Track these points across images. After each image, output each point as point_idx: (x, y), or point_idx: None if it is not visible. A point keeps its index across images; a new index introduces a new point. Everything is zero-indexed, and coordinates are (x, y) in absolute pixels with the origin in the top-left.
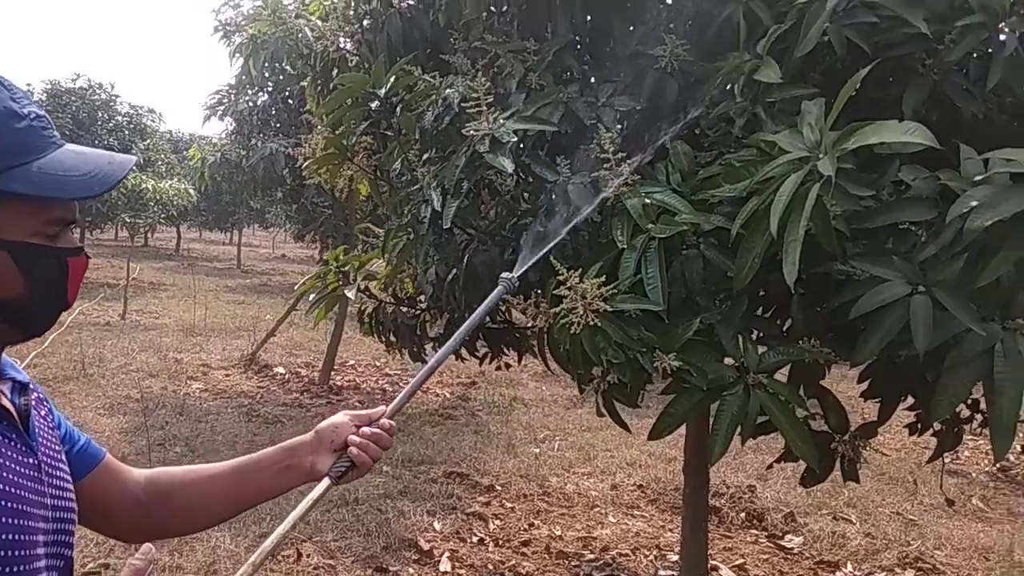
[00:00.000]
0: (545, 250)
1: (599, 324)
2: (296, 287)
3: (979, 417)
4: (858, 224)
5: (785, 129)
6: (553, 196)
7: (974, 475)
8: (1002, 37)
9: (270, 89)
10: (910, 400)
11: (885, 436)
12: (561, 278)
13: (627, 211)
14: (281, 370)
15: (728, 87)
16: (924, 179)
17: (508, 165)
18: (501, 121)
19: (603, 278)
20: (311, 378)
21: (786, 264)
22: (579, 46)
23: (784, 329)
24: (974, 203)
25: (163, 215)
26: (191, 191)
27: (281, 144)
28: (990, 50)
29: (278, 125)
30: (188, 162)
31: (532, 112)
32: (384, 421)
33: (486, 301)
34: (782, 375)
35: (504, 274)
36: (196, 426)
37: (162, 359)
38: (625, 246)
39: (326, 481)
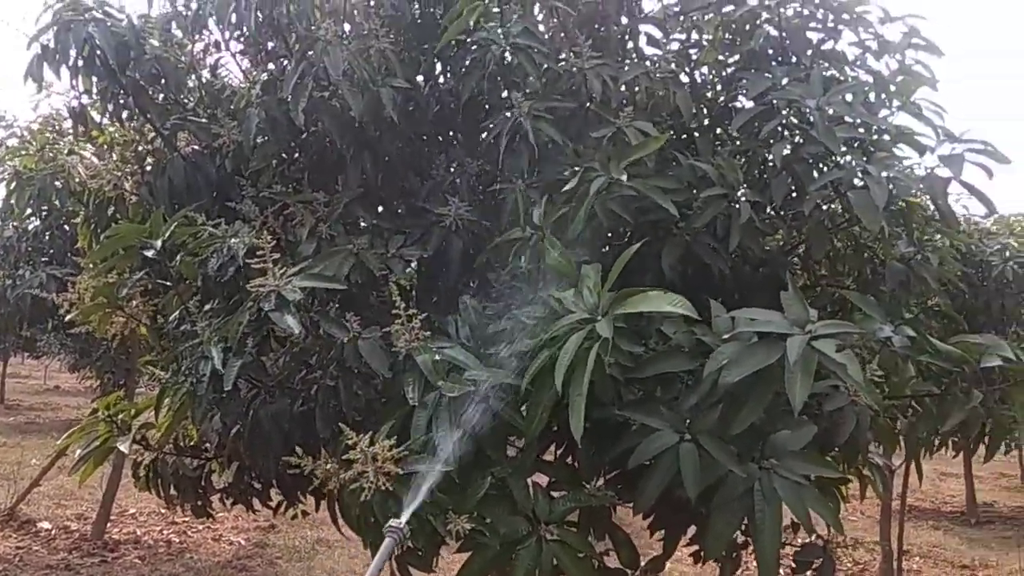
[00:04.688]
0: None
1: (391, 488)
2: (59, 440)
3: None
4: (630, 374)
5: (567, 288)
6: (344, 352)
7: None
8: (738, 205)
9: (43, 216)
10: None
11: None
12: (350, 442)
13: (418, 367)
14: (47, 525)
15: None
16: (683, 333)
17: (295, 326)
18: (288, 278)
19: (394, 439)
20: (83, 533)
21: (573, 418)
22: (369, 197)
23: (573, 468)
24: (724, 360)
25: None
26: None
27: (54, 273)
28: (731, 214)
29: (52, 251)
30: None
31: (320, 268)
32: None
33: (377, 557)
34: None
35: (392, 521)
36: None
37: None
38: (416, 404)
39: None
